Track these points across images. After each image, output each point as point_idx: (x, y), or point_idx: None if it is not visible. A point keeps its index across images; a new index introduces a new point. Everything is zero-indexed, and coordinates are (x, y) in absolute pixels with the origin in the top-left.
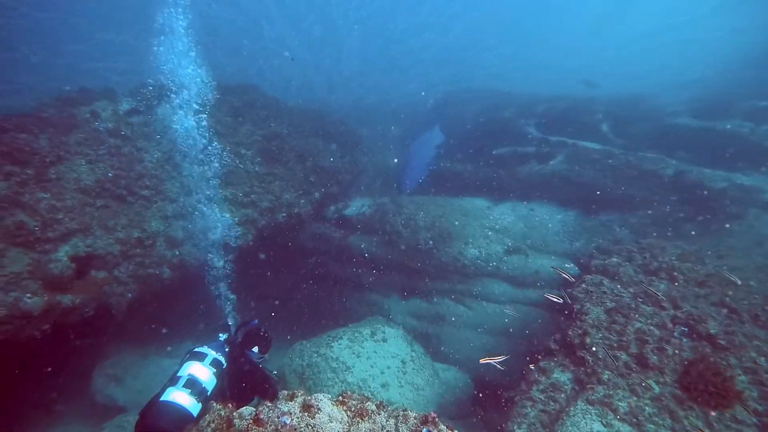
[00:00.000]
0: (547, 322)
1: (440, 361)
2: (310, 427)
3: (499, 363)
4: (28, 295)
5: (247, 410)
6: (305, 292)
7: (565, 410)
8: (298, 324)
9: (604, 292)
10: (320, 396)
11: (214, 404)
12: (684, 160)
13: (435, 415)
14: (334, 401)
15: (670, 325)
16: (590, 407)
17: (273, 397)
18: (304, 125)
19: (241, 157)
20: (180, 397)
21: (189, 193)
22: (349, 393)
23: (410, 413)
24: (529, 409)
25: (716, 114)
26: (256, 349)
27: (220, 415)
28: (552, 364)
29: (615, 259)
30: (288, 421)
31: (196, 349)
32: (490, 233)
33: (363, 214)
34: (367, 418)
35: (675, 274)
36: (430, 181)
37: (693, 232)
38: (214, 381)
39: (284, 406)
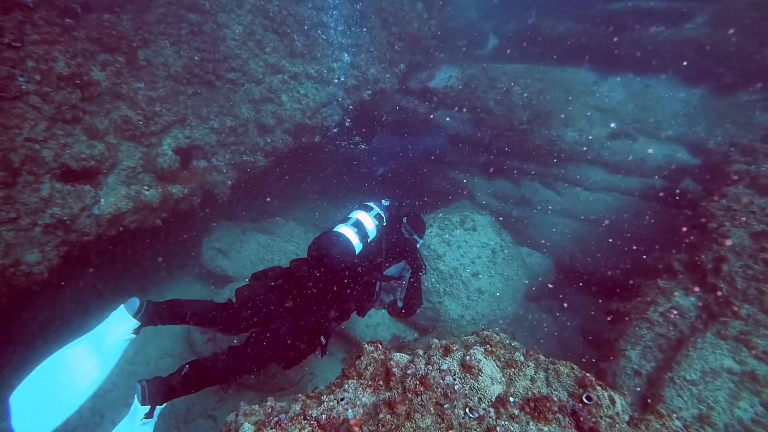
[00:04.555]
0: (648, 214)
1: (522, 245)
2: (475, 391)
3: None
4: (146, 187)
5: (402, 359)
6: (394, 168)
7: (689, 339)
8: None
9: (752, 212)
10: (476, 353)
11: (367, 346)
12: None
13: (592, 378)
14: (484, 352)
15: None
16: (722, 341)
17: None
18: None
19: (322, 27)
20: (348, 232)
21: (276, 72)
22: (493, 340)
23: (561, 368)
24: (645, 331)
25: None
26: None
27: (375, 358)
28: (673, 284)
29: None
30: (457, 387)
31: (364, 203)
32: (594, 114)
33: (450, 87)
34: (516, 369)
35: None
36: (524, 44)
37: None
38: (375, 232)
39: (444, 363)
